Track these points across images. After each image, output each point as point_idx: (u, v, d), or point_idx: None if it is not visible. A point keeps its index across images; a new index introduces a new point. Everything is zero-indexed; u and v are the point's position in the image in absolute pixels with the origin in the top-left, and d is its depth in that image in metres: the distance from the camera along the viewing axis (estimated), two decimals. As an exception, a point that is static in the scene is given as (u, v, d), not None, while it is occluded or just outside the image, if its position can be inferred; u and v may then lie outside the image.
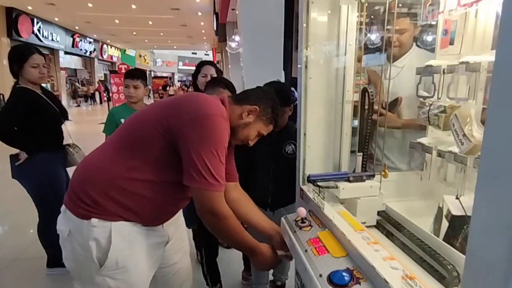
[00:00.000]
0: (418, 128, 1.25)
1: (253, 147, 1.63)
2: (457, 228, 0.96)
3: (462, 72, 0.95)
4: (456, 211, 0.96)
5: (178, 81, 27.54)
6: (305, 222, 1.02)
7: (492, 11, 1.07)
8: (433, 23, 1.15)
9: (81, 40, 15.89)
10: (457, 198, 1.00)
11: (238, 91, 1.92)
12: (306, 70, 1.19)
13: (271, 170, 1.60)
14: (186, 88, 14.37)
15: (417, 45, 1.52)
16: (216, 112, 1.00)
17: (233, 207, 1.10)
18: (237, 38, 5.69)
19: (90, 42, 17.07)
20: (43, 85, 2.15)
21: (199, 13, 10.77)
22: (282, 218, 1.13)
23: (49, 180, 2.02)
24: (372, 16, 1.26)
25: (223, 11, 6.20)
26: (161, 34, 15.90)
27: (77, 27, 14.37)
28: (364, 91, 1.16)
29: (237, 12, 4.56)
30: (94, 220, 0.97)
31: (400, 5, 1.07)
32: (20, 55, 1.94)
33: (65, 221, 1.03)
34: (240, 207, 1.22)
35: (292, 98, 1.61)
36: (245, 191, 1.61)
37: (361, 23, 1.17)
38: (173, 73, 29.32)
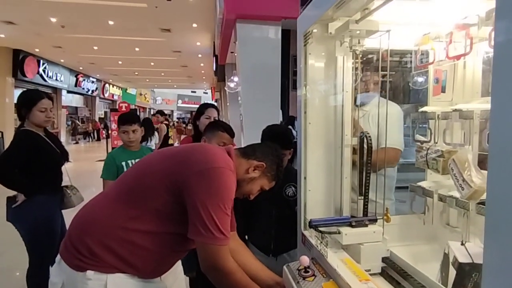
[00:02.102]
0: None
1: None
2: (465, 276, 0.93)
3: (456, 119, 0.99)
4: (463, 259, 0.94)
5: (177, 118, 28.02)
6: (308, 272, 0.99)
7: (478, 62, 1.14)
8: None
9: (84, 80, 16.34)
10: (462, 244, 0.98)
11: (236, 129, 1.96)
12: (305, 116, 1.22)
13: (273, 214, 1.57)
14: (184, 126, 14.38)
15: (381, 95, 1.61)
16: (224, 165, 1.01)
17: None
18: (235, 78, 5.90)
19: (92, 82, 17.57)
20: None
21: (199, 55, 11.27)
22: (284, 267, 1.09)
23: (44, 223, 1.97)
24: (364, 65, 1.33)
25: (222, 54, 6.50)
26: (162, 74, 16.47)
27: (81, 68, 14.88)
28: (362, 135, 1.19)
29: (235, 54, 4.78)
30: (89, 273, 0.94)
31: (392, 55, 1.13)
32: (30, 99, 1.99)
33: (59, 272, 0.99)
34: (237, 257, 1.18)
35: (291, 140, 1.64)
36: (247, 236, 1.58)
37: (355, 69, 1.23)
38: (172, 111, 29.96)
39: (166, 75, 17.01)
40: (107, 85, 19.83)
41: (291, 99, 5.62)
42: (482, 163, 1.01)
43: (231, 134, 1.69)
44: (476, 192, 0.91)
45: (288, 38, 4.89)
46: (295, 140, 1.78)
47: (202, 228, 0.94)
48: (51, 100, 2.09)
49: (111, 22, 7.48)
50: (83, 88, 16.61)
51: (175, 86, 24.27)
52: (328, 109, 1.24)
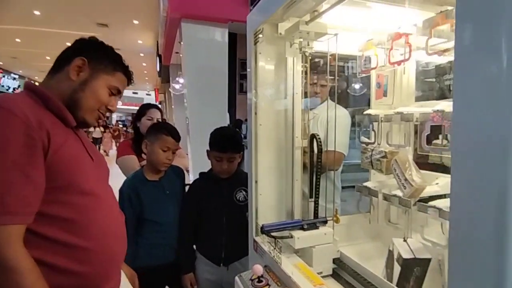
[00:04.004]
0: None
1: (202, 196, 1.54)
2: (408, 271, 0.98)
3: (397, 121, 1.04)
4: (406, 254, 0.98)
5: (117, 120, 26.10)
6: (262, 281, 0.94)
7: (412, 68, 1.23)
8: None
9: (4, 76, 14.40)
10: (404, 240, 1.04)
11: (182, 133, 1.85)
12: (256, 117, 1.19)
13: (224, 221, 1.50)
14: (124, 129, 13.14)
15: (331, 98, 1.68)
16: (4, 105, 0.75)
17: None
18: (181, 80, 5.69)
19: (14, 79, 15.52)
20: None
21: (141, 54, 10.66)
22: (236, 278, 1.03)
23: None
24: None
25: (167, 54, 6.21)
26: (99, 73, 15.21)
27: (0, 63, 13.02)
28: (312, 137, 1.19)
29: (181, 55, 4.60)
30: None
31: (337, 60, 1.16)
32: None
33: None
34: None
35: (241, 143, 1.59)
36: (195, 246, 1.48)
37: (305, 73, 1.24)
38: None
39: (104, 75, 15.71)
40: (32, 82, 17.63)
41: (238, 103, 5.61)
42: (419, 163, 1.09)
43: (176, 137, 1.57)
44: (416, 191, 0.97)
45: (235, 42, 4.88)
46: (244, 139, 1.74)
47: None
48: None
49: (37, 12, 6.65)
50: (3, 86, 14.55)
51: (114, 86, 22.54)
52: (278, 110, 1.23)
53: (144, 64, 12.45)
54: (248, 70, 1.21)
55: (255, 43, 1.16)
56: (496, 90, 0.41)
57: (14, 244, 0.72)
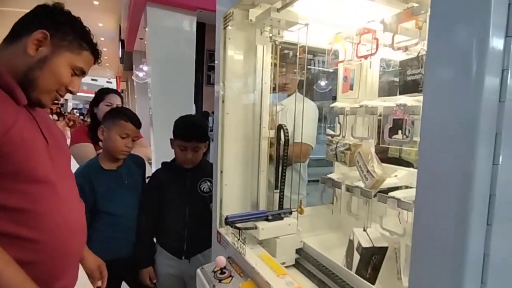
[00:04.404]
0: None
1: (164, 186, 1.47)
2: (367, 259, 1.01)
3: (362, 114, 1.07)
4: (366, 243, 1.02)
5: (73, 108, 24.35)
6: (225, 273, 0.92)
7: (378, 64, 1.27)
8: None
9: None
10: (364, 230, 1.07)
11: (145, 124, 1.75)
12: (223, 105, 1.15)
13: (186, 213, 1.44)
14: (81, 118, 12.29)
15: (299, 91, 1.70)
16: None
17: None
18: (145, 68, 5.43)
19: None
20: None
21: (102, 38, 10.00)
22: (198, 271, 1.00)
23: None
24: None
25: (130, 39, 5.89)
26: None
27: None
28: (280, 128, 1.19)
29: (145, 42, 4.38)
30: None
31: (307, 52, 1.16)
32: None
33: None
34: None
35: (207, 132, 1.54)
36: (156, 238, 1.42)
37: (275, 65, 1.22)
38: (66, 100, 25.85)
39: (59, 58, 14.56)
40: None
41: (205, 95, 5.49)
42: (381, 155, 1.12)
43: (137, 124, 1.47)
44: (377, 182, 1.00)
45: (203, 31, 4.76)
46: (211, 132, 1.69)
47: None
48: None
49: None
50: None
51: (70, 72, 21.00)
52: (246, 100, 1.20)
53: (105, 49, 11.69)
54: (216, 55, 1.17)
55: (225, 27, 1.12)
56: (462, 85, 0.42)
57: None
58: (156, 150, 3.44)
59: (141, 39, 5.33)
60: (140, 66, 5.74)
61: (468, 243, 0.41)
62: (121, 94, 2.22)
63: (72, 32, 0.84)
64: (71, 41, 0.83)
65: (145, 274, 1.44)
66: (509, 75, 0.41)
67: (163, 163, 1.56)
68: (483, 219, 0.41)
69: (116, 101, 1.88)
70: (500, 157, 0.40)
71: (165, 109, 3.68)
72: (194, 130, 1.43)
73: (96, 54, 0.91)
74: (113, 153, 1.42)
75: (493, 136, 0.41)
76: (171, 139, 1.49)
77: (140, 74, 5.74)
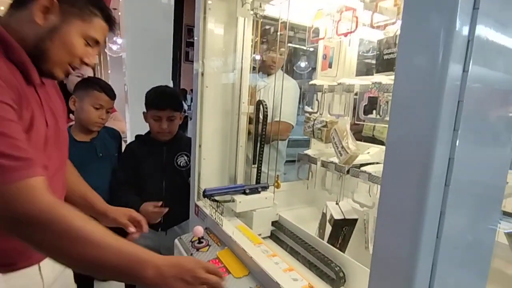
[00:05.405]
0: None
1: (139, 160, 1.44)
2: (338, 230, 1.07)
3: (339, 91, 1.09)
4: (337, 216, 1.07)
5: (40, 83, 22.86)
6: (202, 242, 0.94)
7: (356, 43, 1.29)
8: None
9: None
10: (337, 203, 1.12)
11: (120, 100, 1.68)
12: (202, 78, 1.13)
13: (163, 187, 1.44)
14: None
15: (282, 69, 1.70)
16: None
17: None
18: (119, 40, 5.15)
19: None
20: None
21: (71, 8, 9.35)
22: (176, 240, 1.01)
23: None
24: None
25: (103, 10, 5.54)
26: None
27: None
28: (259, 104, 1.19)
29: (119, 13, 4.13)
30: None
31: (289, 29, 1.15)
32: None
33: None
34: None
35: (181, 101, 1.51)
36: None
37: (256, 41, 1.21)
38: (32, 73, 24.21)
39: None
40: None
41: (183, 72, 5.35)
42: (356, 135, 1.17)
43: (111, 95, 1.42)
44: (351, 158, 1.04)
45: (182, 5, 4.57)
46: (189, 111, 1.66)
47: None
48: None
49: None
50: None
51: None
52: (226, 74, 1.19)
53: (74, 20, 10.95)
54: (196, 28, 1.13)
55: (205, -4, 1.09)
56: (430, 63, 0.44)
57: (40, 191, 0.60)
58: (132, 128, 3.34)
59: (114, 9, 5.02)
60: (114, 38, 5.43)
61: (426, 206, 0.45)
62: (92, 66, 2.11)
63: None
64: (81, 7, 0.76)
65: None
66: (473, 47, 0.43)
67: (137, 136, 1.52)
68: (441, 182, 0.45)
69: (87, 72, 1.80)
70: (460, 123, 0.43)
71: (141, 86, 3.50)
72: (167, 98, 1.40)
73: (110, 22, 0.83)
74: (86, 124, 1.37)
75: (455, 106, 0.44)
76: (144, 113, 1.45)
77: (114, 47, 5.44)
